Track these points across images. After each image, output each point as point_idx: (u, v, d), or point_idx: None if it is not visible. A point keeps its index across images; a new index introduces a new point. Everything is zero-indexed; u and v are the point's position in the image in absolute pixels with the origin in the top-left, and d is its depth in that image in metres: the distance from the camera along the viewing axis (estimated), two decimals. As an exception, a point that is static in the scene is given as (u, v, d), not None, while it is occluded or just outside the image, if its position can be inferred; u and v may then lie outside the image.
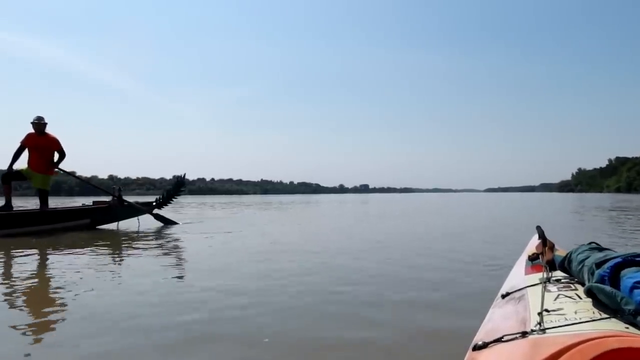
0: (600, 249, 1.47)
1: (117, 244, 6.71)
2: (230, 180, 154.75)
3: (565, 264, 1.51)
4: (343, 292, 3.35)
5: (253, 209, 19.58)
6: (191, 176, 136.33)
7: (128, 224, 9.09)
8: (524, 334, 1.05)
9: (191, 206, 22.15)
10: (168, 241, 6.99)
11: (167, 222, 9.71)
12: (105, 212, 8.82)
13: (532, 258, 1.82)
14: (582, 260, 1.38)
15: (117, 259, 5.25)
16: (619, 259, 1.20)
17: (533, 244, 2.00)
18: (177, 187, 9.92)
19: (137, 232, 8.19)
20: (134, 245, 6.42)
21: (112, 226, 8.90)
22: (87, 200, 9.52)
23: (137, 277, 4.06)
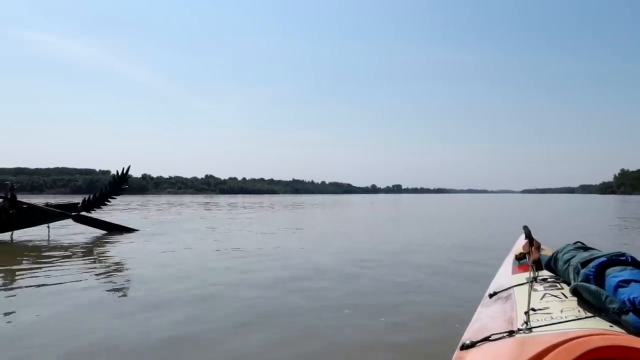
0: (585, 248, 1.50)
1: (7, 262, 4.89)
2: (261, 179, 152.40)
3: (551, 264, 1.54)
4: (336, 296, 3.36)
5: (250, 210, 19.48)
6: (223, 175, 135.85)
7: (35, 233, 7.17)
8: (510, 333, 1.07)
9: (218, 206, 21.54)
10: (89, 255, 5.46)
11: (105, 227, 7.52)
12: None
13: (519, 257, 1.85)
14: (568, 260, 1.40)
15: (6, 286, 3.82)
16: (603, 258, 1.23)
17: (520, 244, 2.02)
18: (117, 184, 8.07)
19: (48, 244, 6.42)
20: (32, 265, 4.70)
21: (4, 237, 6.98)
22: None
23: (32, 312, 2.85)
